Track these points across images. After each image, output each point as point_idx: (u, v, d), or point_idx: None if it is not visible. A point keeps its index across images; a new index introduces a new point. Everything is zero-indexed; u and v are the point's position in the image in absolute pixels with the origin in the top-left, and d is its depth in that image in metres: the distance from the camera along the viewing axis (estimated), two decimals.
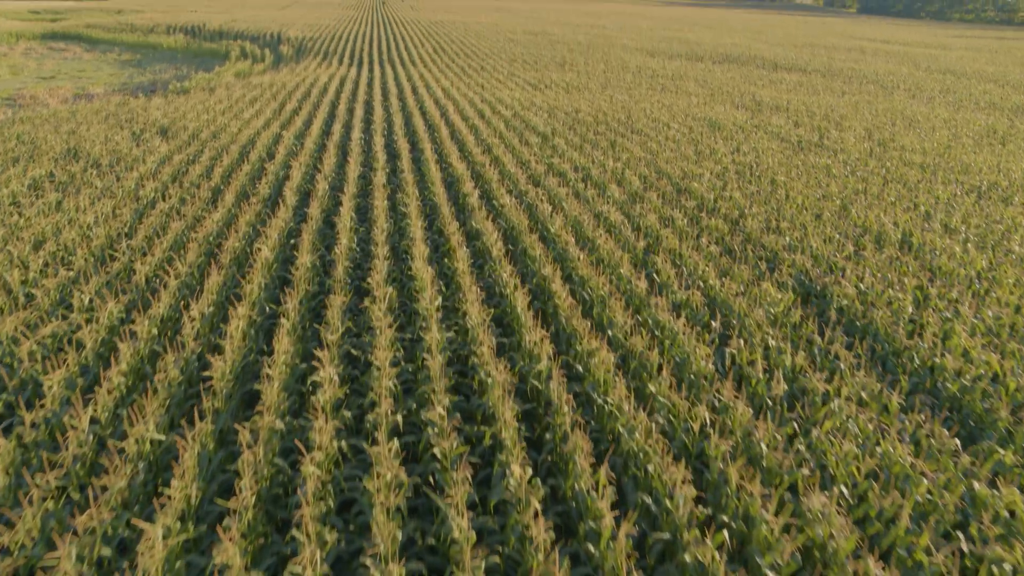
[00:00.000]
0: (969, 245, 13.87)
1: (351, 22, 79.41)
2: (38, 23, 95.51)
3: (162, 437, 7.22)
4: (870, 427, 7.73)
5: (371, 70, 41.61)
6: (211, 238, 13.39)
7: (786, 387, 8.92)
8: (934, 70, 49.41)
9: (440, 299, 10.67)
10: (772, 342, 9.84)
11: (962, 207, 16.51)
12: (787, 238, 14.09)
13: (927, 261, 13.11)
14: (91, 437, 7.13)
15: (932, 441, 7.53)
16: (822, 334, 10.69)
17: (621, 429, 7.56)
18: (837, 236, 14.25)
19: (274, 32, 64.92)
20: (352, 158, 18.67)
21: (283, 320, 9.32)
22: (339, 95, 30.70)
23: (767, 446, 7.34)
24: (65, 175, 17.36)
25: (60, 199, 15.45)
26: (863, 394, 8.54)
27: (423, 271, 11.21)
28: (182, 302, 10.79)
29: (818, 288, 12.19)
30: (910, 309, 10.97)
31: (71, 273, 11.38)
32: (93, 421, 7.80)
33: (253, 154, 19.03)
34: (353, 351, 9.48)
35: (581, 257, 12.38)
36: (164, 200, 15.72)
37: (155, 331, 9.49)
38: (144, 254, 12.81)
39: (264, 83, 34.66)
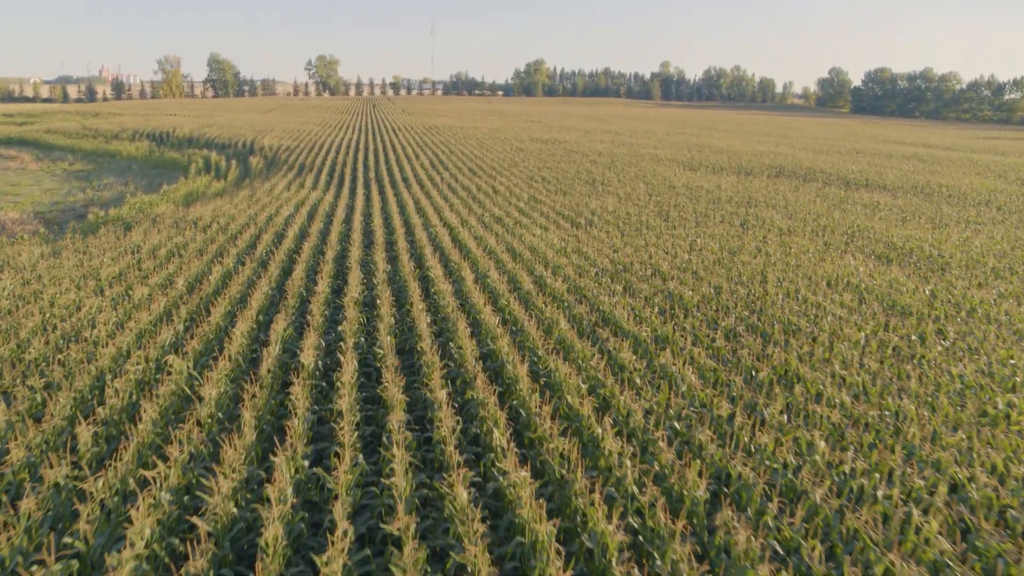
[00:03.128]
0: None
1: (337, 128, 72.16)
2: (2, 127, 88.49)
3: None
4: None
5: (352, 194, 32.68)
6: None
7: None
8: None
9: None
10: None
11: None
12: None
13: None
14: None
15: None
16: None
17: None
18: None
19: (247, 140, 57.01)
20: (292, 434, 8.91)
21: None
22: (301, 243, 21.32)
23: None
24: None
25: None
26: None
27: None
28: None
29: None
30: None
31: None
32: None
33: (86, 432, 9.13)
34: None
35: None
36: None
37: None
38: None
39: (207, 216, 25.46)
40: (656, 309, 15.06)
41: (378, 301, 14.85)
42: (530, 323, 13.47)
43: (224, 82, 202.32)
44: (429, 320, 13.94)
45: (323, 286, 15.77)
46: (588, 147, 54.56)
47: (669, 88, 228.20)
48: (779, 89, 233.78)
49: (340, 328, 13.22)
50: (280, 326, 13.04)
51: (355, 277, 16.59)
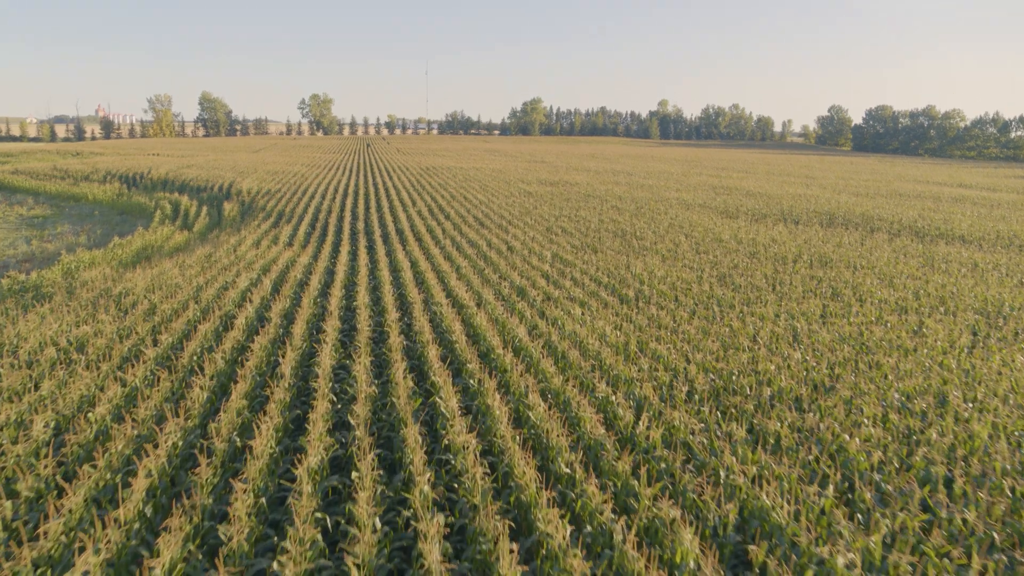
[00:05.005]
0: None
1: (327, 168, 66.71)
2: None
3: None
4: None
5: (335, 253, 26.77)
6: None
7: None
8: None
9: None
10: None
11: None
12: None
13: None
14: None
15: None
16: None
17: None
18: None
19: (225, 183, 51.32)
20: None
21: None
22: (252, 337, 15.26)
23: None
24: None
25: None
26: None
27: None
28: None
29: None
30: None
31: None
32: None
33: None
34: None
35: None
36: None
37: None
38: None
39: (139, 288, 19.47)
40: (819, 482, 8.98)
41: (355, 472, 8.77)
42: (628, 539, 7.39)
43: (216, 121, 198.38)
44: (443, 522, 7.83)
45: (266, 435, 9.68)
46: (604, 190, 49.00)
47: (667, 126, 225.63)
48: (777, 127, 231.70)
49: (281, 558, 7.08)
50: (171, 551, 6.93)
51: (320, 413, 10.51)
